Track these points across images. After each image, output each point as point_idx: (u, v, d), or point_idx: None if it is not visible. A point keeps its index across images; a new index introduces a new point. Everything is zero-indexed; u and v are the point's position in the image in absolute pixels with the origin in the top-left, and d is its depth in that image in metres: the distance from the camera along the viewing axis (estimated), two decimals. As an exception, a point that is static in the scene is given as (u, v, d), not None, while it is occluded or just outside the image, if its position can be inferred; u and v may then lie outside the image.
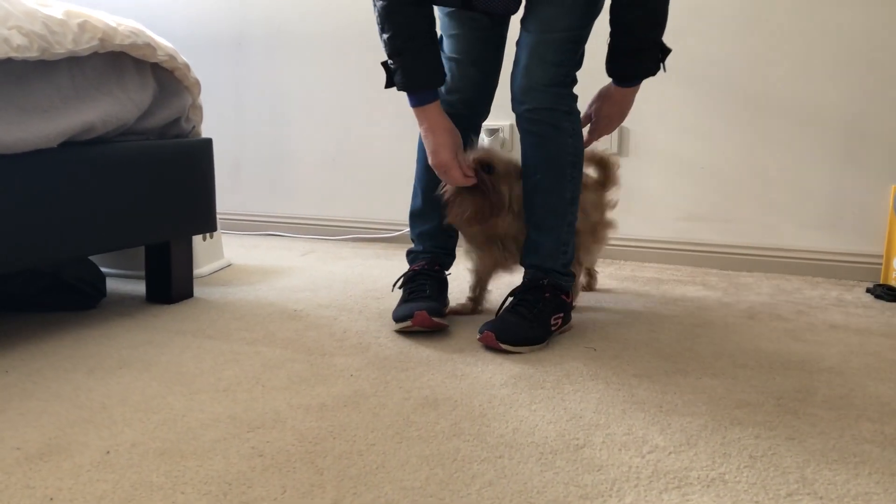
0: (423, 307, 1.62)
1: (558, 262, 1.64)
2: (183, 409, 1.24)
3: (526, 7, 1.59)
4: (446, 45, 1.72)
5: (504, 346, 1.52)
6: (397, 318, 1.66)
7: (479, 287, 1.83)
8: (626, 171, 2.47)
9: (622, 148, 2.46)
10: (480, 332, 1.55)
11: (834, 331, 1.71)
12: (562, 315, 1.62)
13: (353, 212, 2.91)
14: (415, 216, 1.83)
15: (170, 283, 1.90)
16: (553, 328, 1.60)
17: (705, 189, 2.40)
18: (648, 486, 1.00)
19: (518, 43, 1.61)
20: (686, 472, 1.03)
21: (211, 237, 2.29)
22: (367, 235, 2.86)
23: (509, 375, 1.40)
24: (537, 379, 1.38)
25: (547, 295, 1.60)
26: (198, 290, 2.03)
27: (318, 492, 0.97)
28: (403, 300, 1.73)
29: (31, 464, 1.05)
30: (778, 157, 2.31)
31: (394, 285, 1.81)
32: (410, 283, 1.76)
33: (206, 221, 1.96)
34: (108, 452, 1.09)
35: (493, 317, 1.63)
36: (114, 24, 1.68)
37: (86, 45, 1.59)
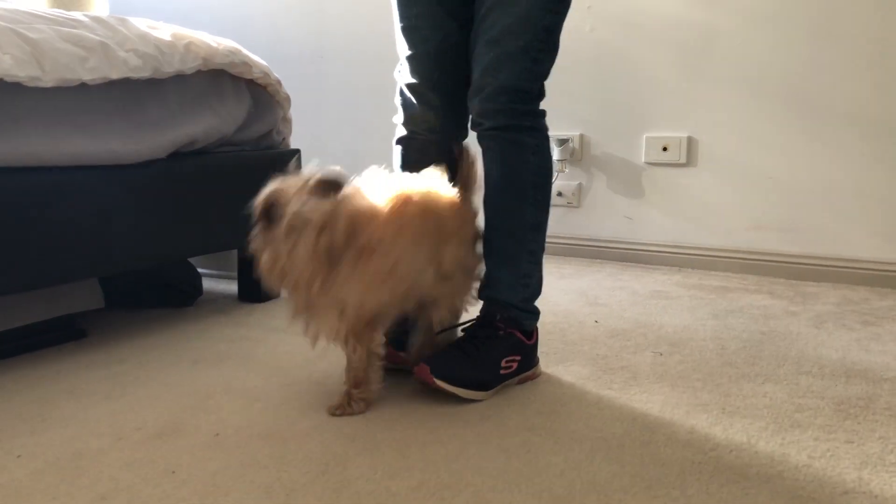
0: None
1: (517, 296, 1.45)
2: (281, 399, 1.36)
3: (476, 18, 1.42)
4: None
5: (438, 383, 1.33)
6: None
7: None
8: (694, 180, 2.52)
9: (690, 158, 2.51)
10: (417, 363, 1.37)
11: (900, 341, 1.74)
12: (518, 358, 1.42)
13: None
14: None
15: (260, 284, 2.04)
16: (504, 372, 1.40)
17: (772, 199, 2.43)
18: (710, 480, 1.07)
19: (470, 56, 1.45)
20: (746, 469, 1.10)
21: (294, 241, 2.43)
22: (438, 240, 2.96)
23: (577, 377, 1.48)
24: (605, 381, 1.46)
25: (500, 333, 1.42)
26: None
27: (405, 473, 1.08)
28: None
29: (151, 442, 1.19)
30: (846, 166, 2.32)
31: None
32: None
33: (292, 226, 2.10)
34: (217, 434, 1.22)
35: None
36: (214, 45, 1.83)
37: (191, 65, 1.75)
